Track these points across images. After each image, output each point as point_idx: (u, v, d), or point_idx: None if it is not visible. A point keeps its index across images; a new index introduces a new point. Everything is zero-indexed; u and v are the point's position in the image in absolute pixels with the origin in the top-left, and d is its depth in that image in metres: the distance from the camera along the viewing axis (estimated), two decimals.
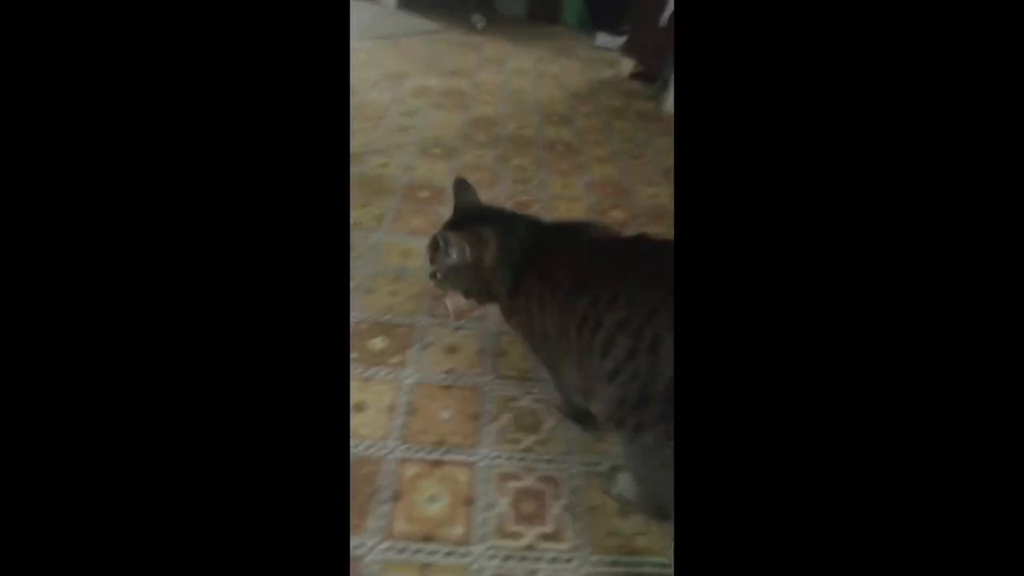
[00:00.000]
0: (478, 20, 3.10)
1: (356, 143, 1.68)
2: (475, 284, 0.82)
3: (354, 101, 1.98)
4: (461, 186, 0.89)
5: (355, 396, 0.88)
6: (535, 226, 0.84)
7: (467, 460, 0.80)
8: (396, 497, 0.75)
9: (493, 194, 1.48)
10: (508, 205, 1.44)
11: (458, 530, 0.72)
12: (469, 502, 0.75)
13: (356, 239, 1.26)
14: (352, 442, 0.81)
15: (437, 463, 0.79)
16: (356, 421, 0.84)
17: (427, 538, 0.70)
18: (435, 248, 0.82)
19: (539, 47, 2.84)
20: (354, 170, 1.53)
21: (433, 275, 0.84)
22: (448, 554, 0.69)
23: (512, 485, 0.78)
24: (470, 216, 0.84)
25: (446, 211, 1.39)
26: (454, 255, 0.79)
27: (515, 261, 0.79)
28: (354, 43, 2.62)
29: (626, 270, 0.69)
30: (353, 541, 0.69)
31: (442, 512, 0.73)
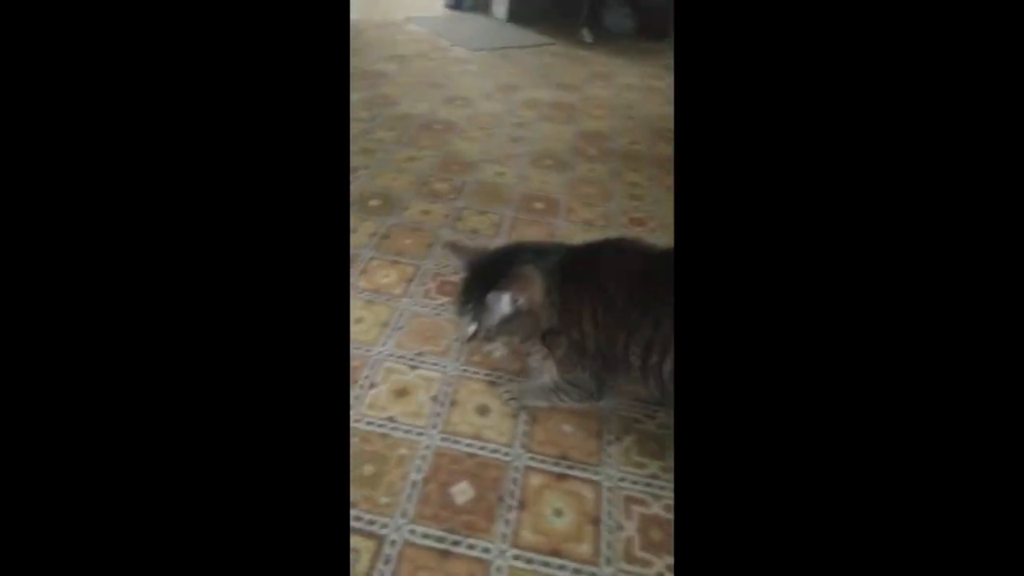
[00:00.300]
0: (586, 35, 3.11)
1: (473, 151, 1.73)
2: (530, 327, 0.77)
3: (468, 111, 2.05)
4: (453, 248, 0.84)
5: (479, 399, 0.90)
6: (562, 246, 0.82)
7: (591, 478, 0.79)
8: (522, 506, 0.75)
9: (607, 210, 1.47)
10: (623, 221, 1.43)
11: (585, 548, 0.71)
12: (595, 521, 0.74)
13: (475, 244, 1.29)
14: (478, 445, 0.83)
15: (562, 476, 0.79)
16: (481, 423, 0.86)
17: (554, 552, 0.70)
18: (479, 311, 0.76)
19: (647, 63, 2.81)
20: (471, 178, 1.58)
21: (474, 336, 0.78)
22: (576, 572, 0.68)
23: (638, 510, 0.76)
24: (493, 264, 0.78)
25: (562, 223, 1.40)
26: (508, 308, 0.74)
27: (557, 284, 0.76)
28: (466, 54, 2.72)
29: None
30: (481, 544, 0.70)
31: (568, 527, 0.73)
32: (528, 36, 3.12)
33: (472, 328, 0.77)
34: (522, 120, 2.00)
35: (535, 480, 0.78)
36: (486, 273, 0.76)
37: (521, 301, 0.74)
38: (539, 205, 1.47)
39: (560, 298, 0.76)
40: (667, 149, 1.87)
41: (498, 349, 0.82)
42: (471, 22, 3.32)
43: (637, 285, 0.74)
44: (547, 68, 2.62)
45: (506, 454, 0.81)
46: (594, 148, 1.83)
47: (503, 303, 0.74)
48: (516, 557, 0.69)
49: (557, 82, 2.43)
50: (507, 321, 0.75)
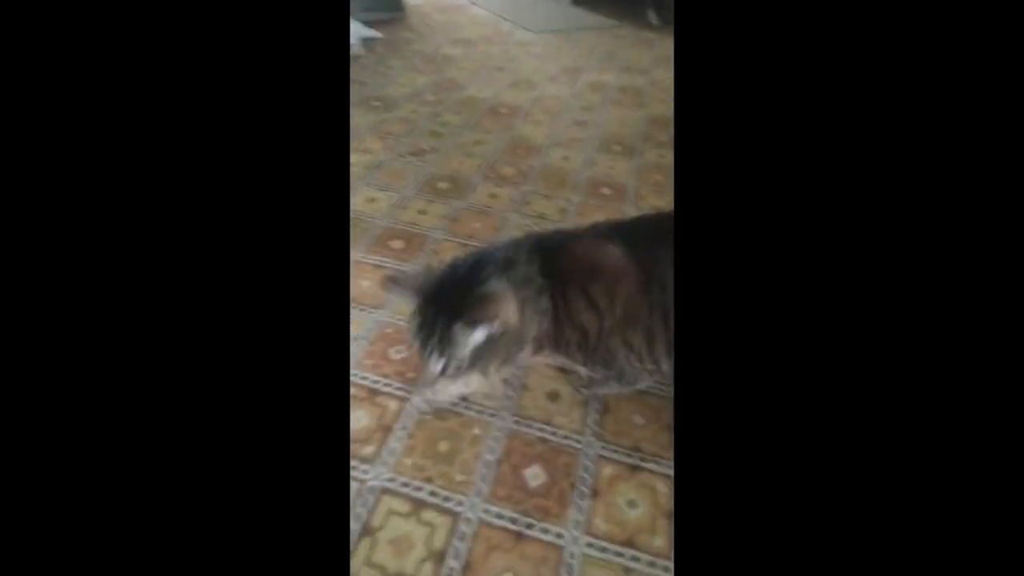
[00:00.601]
0: (653, 17, 3.00)
1: (539, 135, 1.72)
2: (511, 347, 0.68)
3: (533, 93, 2.02)
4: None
5: (550, 385, 0.90)
6: (525, 245, 0.71)
7: (665, 472, 0.78)
8: (595, 494, 0.74)
9: None
10: None
11: (659, 541, 0.70)
12: (670, 515, 0.72)
13: (542, 229, 1.28)
14: (549, 430, 0.83)
15: (635, 468, 0.78)
16: (552, 409, 0.86)
17: (628, 543, 0.69)
18: (445, 345, 0.65)
19: None
20: (537, 162, 1.57)
21: (444, 373, 0.68)
22: (651, 564, 0.67)
23: None
24: (453, 287, 0.67)
25: (631, 210, 1.37)
26: (481, 337, 0.64)
27: (537, 289, 0.67)
28: (530, 36, 2.69)
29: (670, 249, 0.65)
30: (555, 529, 0.70)
31: (642, 519, 0.72)
32: (592, 18, 3.04)
33: (440, 366, 0.67)
34: (588, 104, 1.96)
35: (607, 470, 0.78)
36: (446, 299, 0.65)
37: (495, 326, 0.63)
38: (606, 191, 1.44)
39: (548, 302, 0.68)
40: None
41: (475, 380, 0.72)
42: (534, 3, 3.27)
43: (644, 259, 0.68)
44: (612, 51, 2.55)
45: (578, 441, 0.81)
46: (663, 134, 1.77)
47: (475, 333, 0.64)
48: (589, 545, 0.69)
49: (623, 65, 2.36)
50: (482, 350, 0.65)
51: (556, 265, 0.70)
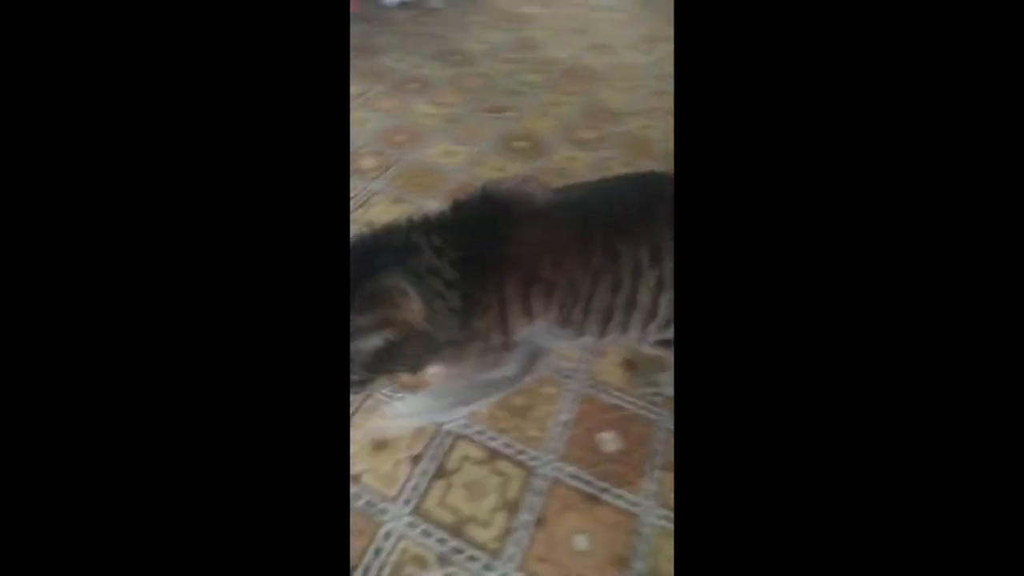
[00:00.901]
0: None
1: (618, 101, 1.65)
2: (416, 353, 0.57)
3: (612, 60, 1.94)
4: None
5: (624, 355, 0.87)
6: (432, 224, 0.59)
7: None
8: (669, 468, 0.72)
9: None
10: None
11: None
12: None
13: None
14: (626, 400, 0.81)
15: None
16: (626, 379, 0.84)
17: None
18: None
19: None
20: (617, 128, 1.51)
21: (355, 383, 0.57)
22: None
23: None
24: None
25: None
26: (378, 342, 0.53)
27: (446, 284, 0.55)
28: (610, 1, 2.57)
29: (613, 217, 0.62)
30: (630, 497, 0.69)
31: None
32: None
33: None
34: (669, 74, 1.86)
35: None
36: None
37: (392, 331, 0.53)
38: None
39: (459, 300, 0.56)
40: None
41: (385, 389, 0.62)
42: None
43: (600, 254, 0.59)
44: None
45: (654, 413, 0.79)
46: None
47: (369, 339, 0.53)
48: (663, 517, 0.67)
49: None
50: (378, 359, 0.54)
51: (469, 251, 0.57)
